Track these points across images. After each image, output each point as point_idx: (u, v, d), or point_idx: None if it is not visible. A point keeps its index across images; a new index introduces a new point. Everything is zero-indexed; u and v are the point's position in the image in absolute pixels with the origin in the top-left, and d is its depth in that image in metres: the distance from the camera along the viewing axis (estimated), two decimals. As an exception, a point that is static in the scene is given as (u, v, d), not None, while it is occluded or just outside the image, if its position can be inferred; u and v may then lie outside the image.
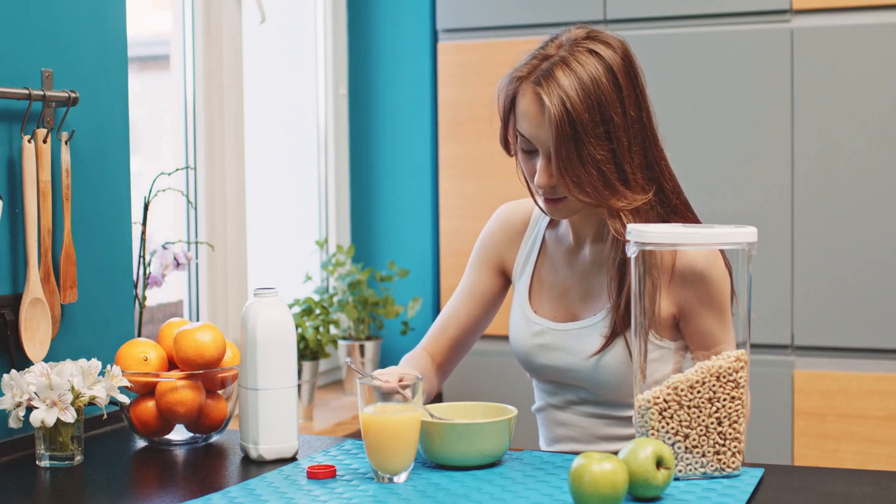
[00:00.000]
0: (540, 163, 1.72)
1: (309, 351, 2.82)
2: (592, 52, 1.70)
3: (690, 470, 1.50)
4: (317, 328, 2.86)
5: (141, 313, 1.99)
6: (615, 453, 1.42)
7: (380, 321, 3.11)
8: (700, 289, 1.70)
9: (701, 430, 1.49)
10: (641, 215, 1.71)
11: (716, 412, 1.49)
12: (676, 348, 1.73)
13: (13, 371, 1.64)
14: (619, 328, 1.73)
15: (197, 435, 1.78)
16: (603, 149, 1.67)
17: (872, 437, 2.80)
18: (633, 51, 1.75)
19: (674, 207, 1.76)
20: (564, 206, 1.74)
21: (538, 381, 1.90)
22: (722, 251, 1.72)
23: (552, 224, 1.89)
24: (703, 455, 1.50)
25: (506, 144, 1.80)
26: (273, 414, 1.64)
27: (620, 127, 1.68)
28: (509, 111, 1.74)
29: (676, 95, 2.92)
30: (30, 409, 1.62)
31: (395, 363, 3.25)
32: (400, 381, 1.62)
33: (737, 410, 1.50)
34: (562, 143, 1.66)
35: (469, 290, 1.94)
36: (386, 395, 1.52)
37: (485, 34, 3.13)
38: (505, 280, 1.94)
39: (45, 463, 1.65)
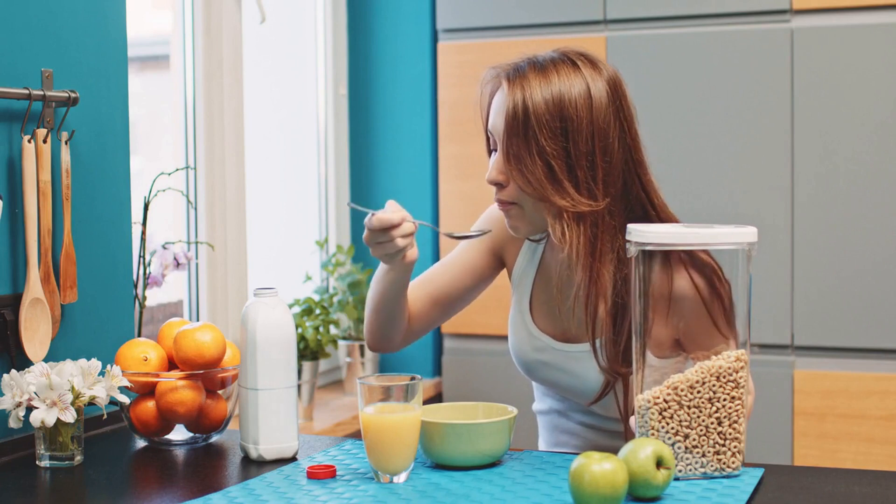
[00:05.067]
0: (496, 156, 1.71)
1: (309, 351, 2.82)
2: (574, 64, 1.69)
3: (690, 470, 1.50)
4: (317, 328, 2.86)
5: (141, 313, 1.99)
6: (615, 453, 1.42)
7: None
8: (699, 311, 1.65)
9: (701, 430, 1.49)
10: (590, 226, 1.66)
11: (716, 412, 1.49)
12: (675, 361, 1.71)
13: (13, 371, 1.64)
14: (614, 373, 1.69)
15: (197, 435, 1.78)
16: (556, 144, 1.65)
17: (872, 437, 2.80)
18: (625, 84, 1.72)
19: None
20: (515, 214, 1.71)
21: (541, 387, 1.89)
22: (716, 262, 1.67)
23: (549, 237, 1.85)
24: (703, 455, 1.50)
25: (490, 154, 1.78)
26: (273, 414, 1.64)
27: (582, 131, 1.65)
28: (488, 107, 1.74)
29: (676, 95, 2.92)
30: (30, 409, 1.62)
31: (395, 363, 3.28)
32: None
33: (737, 410, 1.50)
34: (513, 130, 1.65)
35: (460, 258, 1.89)
36: (386, 392, 1.51)
37: (485, 34, 3.13)
38: (498, 263, 1.90)
39: (45, 463, 1.65)
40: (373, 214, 1.68)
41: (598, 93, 1.67)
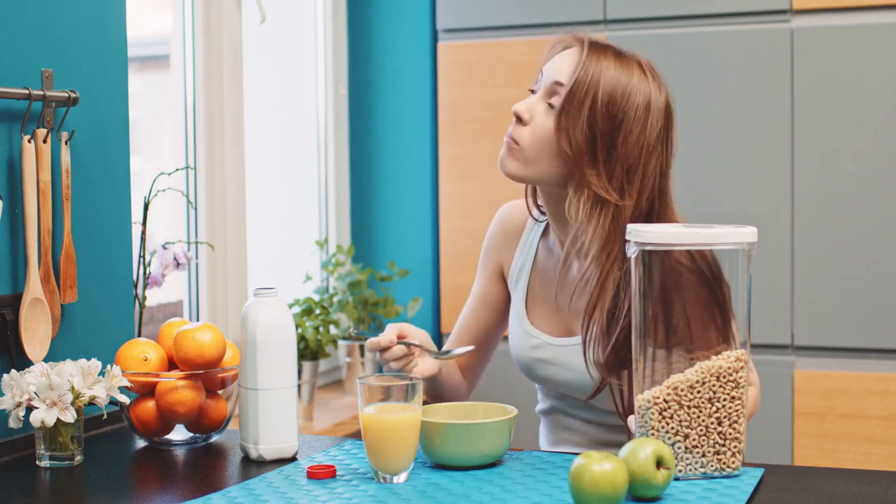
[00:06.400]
0: (533, 97, 1.73)
1: (309, 351, 2.82)
2: (644, 72, 1.72)
3: (690, 470, 1.50)
4: (317, 328, 2.86)
5: (141, 313, 1.99)
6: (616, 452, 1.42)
7: (380, 321, 3.11)
8: (699, 307, 1.65)
9: (701, 430, 1.49)
10: (610, 220, 1.68)
11: (716, 412, 1.49)
12: (676, 361, 1.71)
13: (13, 371, 1.64)
14: (605, 373, 1.70)
15: (197, 435, 1.78)
16: (608, 125, 1.68)
17: (872, 437, 2.80)
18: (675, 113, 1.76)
19: None
20: (516, 155, 1.73)
21: (542, 386, 1.90)
22: (715, 257, 1.69)
23: (545, 234, 1.87)
24: (703, 455, 1.50)
25: None
26: (273, 414, 1.64)
27: (633, 133, 1.68)
28: (556, 55, 1.76)
29: (676, 96, 2.90)
30: (30, 409, 1.62)
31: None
32: (401, 337, 1.72)
33: (737, 410, 1.50)
34: (576, 91, 1.68)
35: (478, 295, 1.95)
36: (386, 392, 1.52)
37: (485, 34, 3.13)
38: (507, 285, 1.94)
39: (45, 463, 1.65)
40: (366, 336, 1.77)
41: (657, 110, 1.71)
